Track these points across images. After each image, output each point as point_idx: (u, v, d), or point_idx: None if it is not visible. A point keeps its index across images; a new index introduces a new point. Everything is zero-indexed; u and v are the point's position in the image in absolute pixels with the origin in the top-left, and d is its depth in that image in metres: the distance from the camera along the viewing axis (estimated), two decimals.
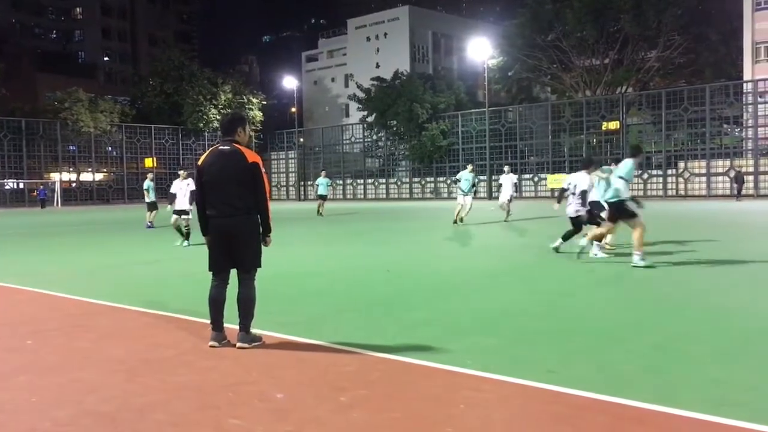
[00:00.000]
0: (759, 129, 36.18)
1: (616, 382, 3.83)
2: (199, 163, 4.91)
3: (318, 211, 23.80)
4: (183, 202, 13.06)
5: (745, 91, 37.19)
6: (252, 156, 4.75)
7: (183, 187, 13.22)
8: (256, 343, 4.77)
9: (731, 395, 3.59)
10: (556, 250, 10.07)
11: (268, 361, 4.42)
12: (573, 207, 9.85)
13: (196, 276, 8.83)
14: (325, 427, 3.24)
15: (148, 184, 19.71)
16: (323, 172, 26.33)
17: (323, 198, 24.28)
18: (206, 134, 55.36)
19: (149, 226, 18.43)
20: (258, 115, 55.87)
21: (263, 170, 4.84)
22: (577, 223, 9.93)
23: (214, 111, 53.63)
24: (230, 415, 3.42)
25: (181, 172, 13.92)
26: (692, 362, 4.26)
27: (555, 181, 42.00)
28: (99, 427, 3.33)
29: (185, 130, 54.99)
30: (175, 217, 13.28)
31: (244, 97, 55.91)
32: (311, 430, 3.22)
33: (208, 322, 4.89)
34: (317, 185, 25.01)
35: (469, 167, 18.24)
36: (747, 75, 38.58)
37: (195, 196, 4.97)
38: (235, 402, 3.62)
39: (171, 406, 3.61)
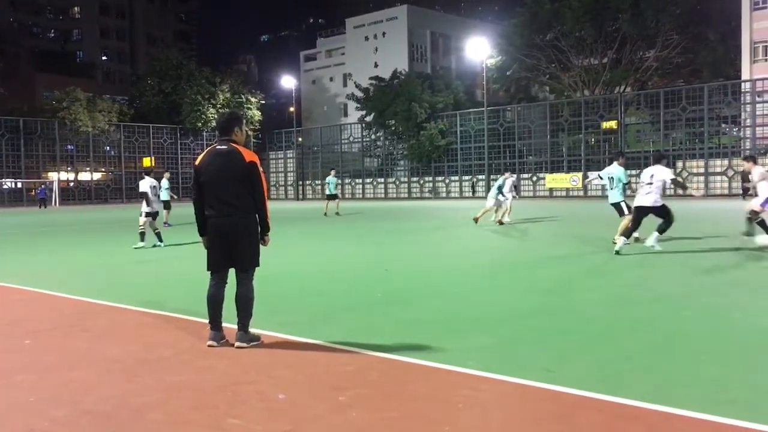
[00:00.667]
0: (757, 128, 36.25)
1: (613, 381, 3.83)
2: (197, 163, 4.90)
3: (325, 212, 23.30)
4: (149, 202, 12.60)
5: (743, 90, 37.26)
6: (249, 155, 4.75)
7: (147, 188, 12.72)
8: (254, 343, 4.77)
9: (729, 394, 3.60)
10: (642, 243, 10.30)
11: (267, 361, 4.42)
12: (652, 197, 9.99)
13: (193, 275, 8.84)
14: (323, 427, 3.24)
15: (164, 183, 20.45)
16: (332, 171, 25.91)
17: (332, 197, 23.84)
18: (205, 134, 55.35)
19: (166, 224, 18.85)
20: (256, 114, 55.88)
21: (261, 169, 4.84)
22: (663, 212, 10.14)
23: (212, 110, 53.62)
24: (229, 414, 3.42)
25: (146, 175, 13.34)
26: (690, 361, 4.27)
27: (554, 180, 42.03)
28: (97, 426, 3.32)
29: (183, 130, 54.98)
30: (144, 219, 12.58)
31: (243, 96, 55.91)
32: (310, 429, 3.22)
33: (206, 321, 4.89)
34: (327, 184, 24.57)
35: (506, 174, 17.76)
36: (745, 74, 38.65)
37: (193, 196, 4.96)
38: (234, 401, 3.62)
39: (169, 405, 3.61)
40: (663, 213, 10.09)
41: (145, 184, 12.81)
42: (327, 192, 24.17)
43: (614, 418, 3.29)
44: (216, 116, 54.96)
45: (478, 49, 43.71)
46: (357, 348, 4.65)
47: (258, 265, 4.90)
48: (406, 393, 3.71)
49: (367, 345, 4.70)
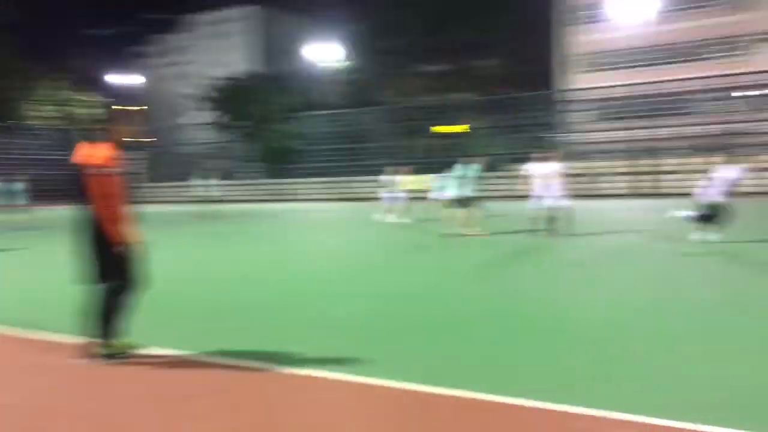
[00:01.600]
0: (574, 135, 40.68)
1: (456, 374, 4.00)
2: None
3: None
4: None
5: (566, 99, 41.75)
6: (80, 155, 4.23)
7: None
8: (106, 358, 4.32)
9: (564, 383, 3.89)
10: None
11: (106, 375, 4.04)
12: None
13: (25, 284, 7.92)
14: None
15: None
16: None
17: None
18: (20, 132, 49.93)
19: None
20: (87, 113, 51.65)
21: (97, 171, 4.16)
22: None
23: (35, 107, 48.56)
24: None
25: None
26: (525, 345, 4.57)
27: (411, 182, 43.45)
28: None
29: None
30: None
31: (73, 94, 51.35)
32: None
33: (36, 337, 4.37)
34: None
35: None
36: (569, 84, 43.40)
37: None
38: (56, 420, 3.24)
39: None
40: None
41: None
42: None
43: (461, 409, 3.41)
44: (35, 113, 49.87)
45: (328, 53, 44.14)
46: (202, 356, 4.41)
47: (116, 279, 4.36)
48: (252, 401, 3.57)
49: (212, 352, 4.48)
